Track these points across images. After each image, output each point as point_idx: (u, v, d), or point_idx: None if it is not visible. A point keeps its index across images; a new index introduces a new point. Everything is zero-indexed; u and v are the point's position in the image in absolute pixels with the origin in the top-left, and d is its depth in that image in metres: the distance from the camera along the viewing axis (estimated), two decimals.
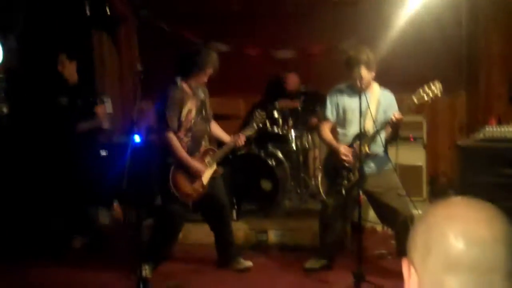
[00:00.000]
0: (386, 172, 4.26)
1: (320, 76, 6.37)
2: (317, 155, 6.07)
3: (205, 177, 4.35)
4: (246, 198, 5.46)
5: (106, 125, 5.55)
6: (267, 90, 6.50)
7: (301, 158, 5.84)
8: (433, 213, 1.00)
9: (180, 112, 4.22)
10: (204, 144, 4.41)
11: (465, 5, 6.27)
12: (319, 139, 5.00)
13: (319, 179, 4.47)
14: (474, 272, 0.92)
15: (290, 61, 6.64)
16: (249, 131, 4.50)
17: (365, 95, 3.98)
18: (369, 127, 4.09)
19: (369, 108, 4.00)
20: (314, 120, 5.78)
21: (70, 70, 5.24)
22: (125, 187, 3.74)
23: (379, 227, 5.35)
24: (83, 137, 5.18)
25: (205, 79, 4.27)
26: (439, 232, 0.96)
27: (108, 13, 6.49)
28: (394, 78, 5.50)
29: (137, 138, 3.98)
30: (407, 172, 5.51)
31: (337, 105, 4.29)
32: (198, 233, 5.12)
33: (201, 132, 4.38)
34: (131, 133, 3.95)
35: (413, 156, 5.76)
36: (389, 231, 5.05)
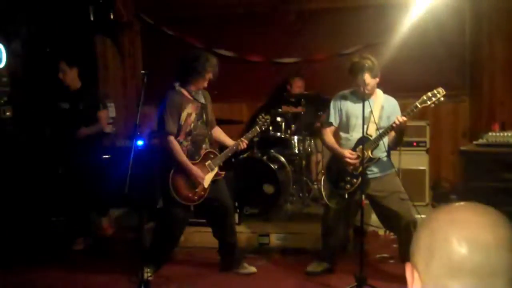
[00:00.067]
0: (389, 176, 4.26)
1: (323, 82, 6.38)
2: (320, 159, 6.08)
3: (206, 181, 4.35)
4: (248, 202, 5.46)
5: (109, 129, 5.57)
6: (271, 96, 6.51)
7: (303, 162, 5.85)
8: (437, 218, 1.01)
9: (179, 116, 4.25)
10: (205, 148, 4.41)
11: (468, 11, 6.28)
12: (322, 143, 5.01)
13: (322, 183, 4.49)
14: (477, 276, 0.92)
15: (293, 67, 6.65)
16: (252, 134, 4.51)
17: (368, 101, 4.00)
18: (372, 132, 4.10)
19: (372, 113, 4.01)
20: (318, 125, 5.79)
21: (71, 77, 5.24)
22: (128, 190, 3.74)
23: (381, 231, 5.35)
24: (85, 142, 5.19)
25: (204, 84, 4.29)
26: (443, 237, 0.96)
27: (112, 18, 6.52)
28: (398, 84, 5.52)
29: (140, 142, 3.99)
30: (410, 177, 5.51)
31: (341, 110, 4.30)
32: (200, 236, 5.13)
33: (202, 136, 4.39)
34: (134, 137, 3.96)
35: (416, 160, 5.76)
36: (391, 235, 5.06)
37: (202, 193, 4.35)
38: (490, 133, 4.85)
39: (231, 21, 6.83)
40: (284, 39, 6.76)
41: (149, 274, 4.27)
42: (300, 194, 5.89)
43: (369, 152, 4.09)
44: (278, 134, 5.80)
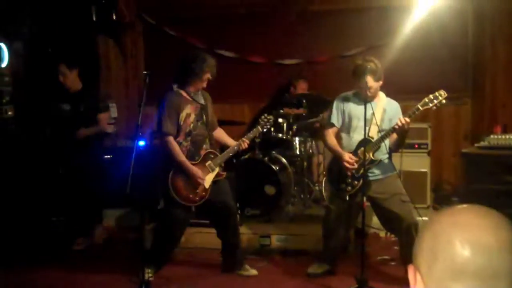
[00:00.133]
0: (390, 178, 4.26)
1: (325, 83, 6.38)
2: (321, 161, 6.08)
3: (207, 181, 4.35)
4: (249, 203, 5.46)
5: (110, 129, 5.57)
6: (273, 97, 6.51)
7: (305, 163, 5.84)
8: (439, 220, 1.01)
9: (178, 117, 4.25)
10: (205, 148, 4.41)
11: (471, 13, 6.27)
12: (323, 144, 5.01)
13: (323, 184, 4.48)
14: (479, 279, 0.93)
15: (295, 69, 6.65)
16: (253, 134, 4.51)
17: (371, 104, 4.00)
18: (374, 134, 4.10)
19: (374, 116, 4.01)
20: (317, 125, 5.79)
21: (71, 79, 5.25)
22: (129, 190, 3.75)
23: (382, 233, 5.35)
24: (85, 142, 5.19)
25: (203, 84, 4.30)
26: (446, 239, 0.96)
27: (114, 18, 6.53)
28: (400, 85, 5.53)
29: (141, 143, 4.00)
30: (412, 179, 5.50)
31: (343, 111, 4.30)
32: (201, 237, 5.13)
33: (202, 136, 4.39)
34: (135, 137, 3.96)
35: (418, 163, 5.75)
36: (392, 237, 5.06)
37: (203, 193, 4.34)
38: (492, 136, 4.85)
39: (232, 22, 6.83)
40: (286, 40, 6.76)
41: (149, 275, 4.26)
42: (302, 196, 5.88)
43: (371, 154, 4.08)
44: (280, 135, 5.80)
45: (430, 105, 3.89)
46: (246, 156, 5.52)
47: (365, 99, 3.96)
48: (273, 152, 5.67)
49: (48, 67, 5.57)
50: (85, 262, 4.97)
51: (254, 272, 4.56)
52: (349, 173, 4.18)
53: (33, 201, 5.69)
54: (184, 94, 4.31)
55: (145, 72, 4.15)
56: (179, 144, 4.28)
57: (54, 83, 5.29)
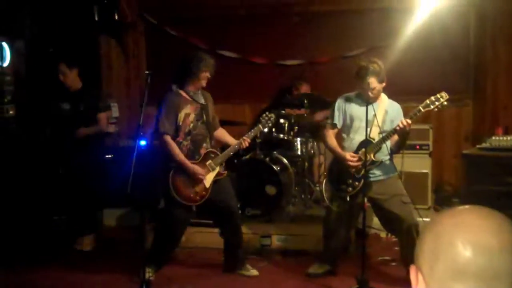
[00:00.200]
0: (391, 179, 4.26)
1: (327, 84, 6.38)
2: (322, 162, 6.08)
3: (208, 180, 4.35)
4: (250, 203, 5.46)
5: (112, 128, 5.57)
6: (275, 97, 6.51)
7: (306, 164, 5.85)
8: (441, 221, 1.01)
9: (176, 117, 4.26)
10: (206, 147, 4.41)
11: (472, 15, 6.27)
12: (324, 145, 5.01)
13: (324, 185, 4.48)
14: (481, 280, 0.93)
15: (296, 69, 6.65)
16: (254, 133, 4.51)
17: (373, 105, 4.00)
18: (375, 135, 4.10)
19: (376, 117, 4.01)
20: (317, 121, 5.80)
21: (71, 78, 5.25)
22: (130, 190, 3.75)
23: (383, 234, 5.35)
24: (85, 141, 5.19)
25: (201, 84, 4.31)
26: (448, 240, 0.97)
27: (116, 18, 6.53)
28: (402, 87, 5.52)
29: (143, 142, 4.00)
30: (413, 180, 5.51)
31: (345, 112, 4.30)
32: (202, 237, 5.14)
33: (202, 135, 4.39)
34: (137, 137, 3.97)
35: (419, 164, 5.76)
36: (393, 238, 5.06)
37: (204, 193, 4.35)
38: (493, 137, 4.85)
39: (234, 22, 6.84)
40: (287, 41, 6.76)
41: (150, 274, 4.27)
42: (302, 196, 5.89)
43: (372, 155, 4.09)
44: (281, 135, 5.80)
45: (432, 107, 3.89)
46: (247, 156, 5.53)
47: (367, 100, 3.97)
48: (274, 152, 5.67)
49: (49, 67, 5.58)
50: (85, 261, 4.97)
51: (255, 272, 4.56)
52: (352, 172, 4.17)
53: (34, 200, 5.69)
54: (184, 94, 4.32)
55: (147, 72, 4.16)
56: (179, 143, 4.28)
57: (54, 83, 5.30)
